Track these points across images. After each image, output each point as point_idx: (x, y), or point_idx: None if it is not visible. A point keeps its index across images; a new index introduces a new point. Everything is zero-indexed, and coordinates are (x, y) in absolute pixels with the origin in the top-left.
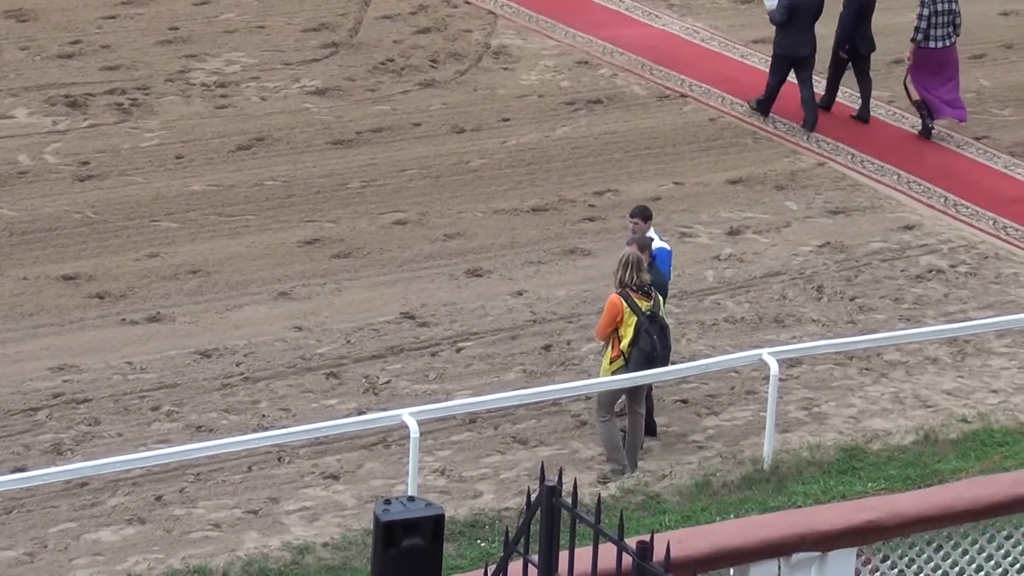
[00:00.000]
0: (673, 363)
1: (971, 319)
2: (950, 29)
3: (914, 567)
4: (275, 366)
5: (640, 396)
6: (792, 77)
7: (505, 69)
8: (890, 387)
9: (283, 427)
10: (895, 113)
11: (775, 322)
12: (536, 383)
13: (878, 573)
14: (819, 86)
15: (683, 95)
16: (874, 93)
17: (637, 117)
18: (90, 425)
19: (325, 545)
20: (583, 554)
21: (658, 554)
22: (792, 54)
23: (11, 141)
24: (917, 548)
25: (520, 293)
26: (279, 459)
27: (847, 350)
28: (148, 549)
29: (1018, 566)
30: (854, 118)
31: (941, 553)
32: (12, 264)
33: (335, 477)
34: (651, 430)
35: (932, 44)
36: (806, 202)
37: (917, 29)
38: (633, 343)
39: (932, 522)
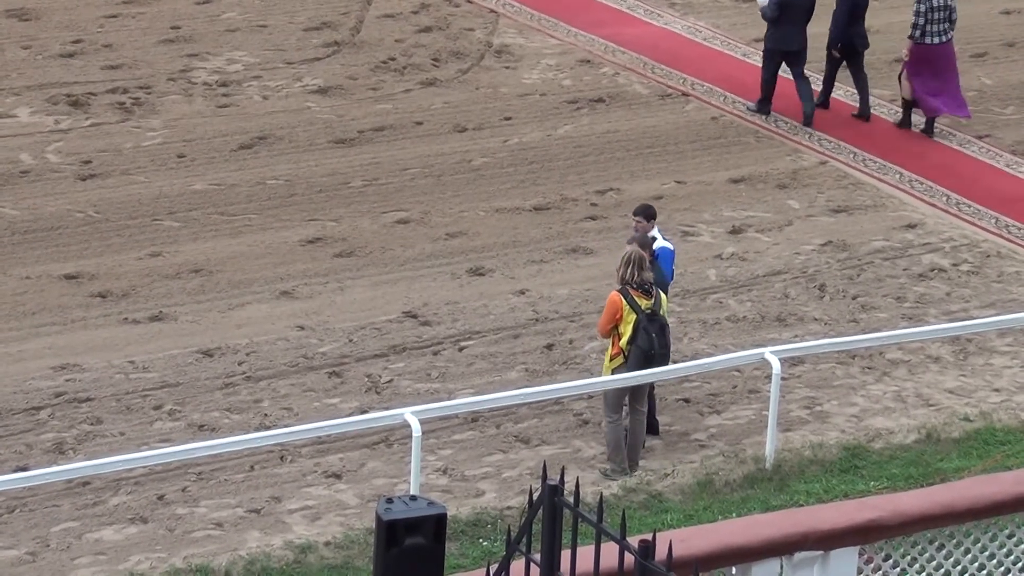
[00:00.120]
0: (675, 362)
1: (973, 318)
2: (946, 25)
3: (916, 566)
4: (277, 365)
5: (641, 394)
6: (789, 75)
7: (507, 68)
8: (892, 386)
9: (285, 426)
10: (897, 112)
11: (777, 321)
12: (538, 382)
13: (880, 572)
14: (815, 83)
15: (685, 94)
16: (877, 92)
17: (639, 116)
18: (92, 424)
19: (327, 544)
20: (585, 553)
21: (660, 553)
22: (782, 48)
23: (13, 140)
24: (919, 547)
25: (522, 292)
26: (281, 458)
27: (849, 349)
28: (150, 548)
29: (1020, 564)
30: (855, 116)
31: (944, 552)
32: (14, 263)
33: (337, 476)
34: (653, 429)
35: (929, 40)
36: (808, 201)
37: (914, 26)
38: (632, 341)
39: (934, 521)
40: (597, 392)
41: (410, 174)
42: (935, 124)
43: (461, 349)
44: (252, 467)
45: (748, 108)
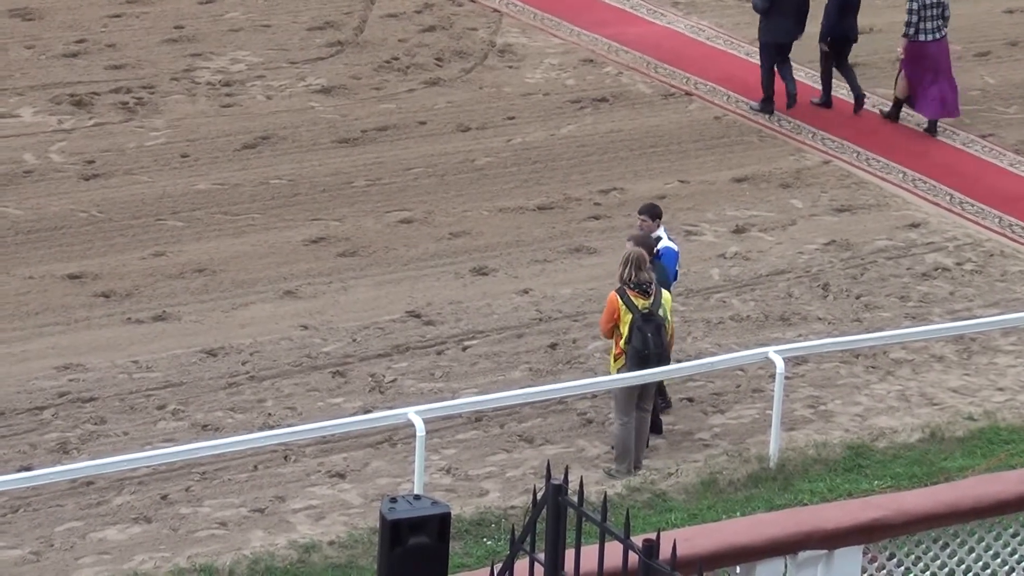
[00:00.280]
0: (679, 361)
1: (977, 317)
2: (940, 22)
3: (920, 565)
4: (281, 365)
5: (647, 393)
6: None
7: (510, 67)
8: (896, 385)
9: (289, 426)
10: (901, 112)
11: (781, 320)
12: (542, 381)
13: (884, 571)
14: (815, 82)
15: (688, 93)
16: (881, 92)
17: (642, 115)
18: (96, 424)
19: (331, 543)
20: (589, 552)
21: (664, 552)
22: (776, 40)
23: (17, 140)
24: (924, 546)
25: (526, 291)
26: (285, 458)
27: (853, 348)
28: (154, 548)
29: None
30: (856, 113)
31: (948, 551)
32: (18, 263)
33: (341, 475)
34: (657, 428)
35: (922, 37)
36: (812, 200)
37: (908, 24)
38: (628, 340)
39: (938, 520)
40: (601, 391)
41: (413, 174)
42: (938, 124)
43: (465, 349)
44: (256, 467)
45: (751, 107)
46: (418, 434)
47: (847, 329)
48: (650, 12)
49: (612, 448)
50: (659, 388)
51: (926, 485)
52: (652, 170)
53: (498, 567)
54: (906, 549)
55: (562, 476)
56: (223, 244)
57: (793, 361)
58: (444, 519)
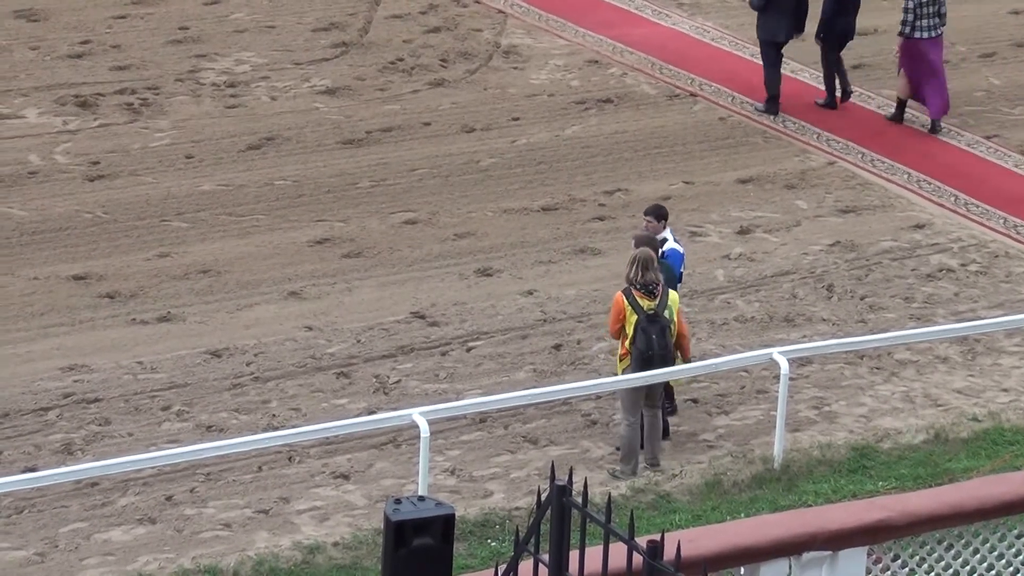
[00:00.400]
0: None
1: (981, 318)
2: (936, 20)
3: (925, 566)
4: (285, 366)
5: (652, 393)
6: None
7: (515, 68)
8: (900, 386)
9: (293, 427)
10: (905, 112)
11: (785, 321)
12: (546, 382)
13: (889, 572)
14: (815, 82)
15: (693, 94)
16: (885, 92)
17: (647, 116)
18: (101, 425)
19: (336, 545)
20: (594, 553)
21: (669, 553)
22: (774, 38)
23: (22, 141)
24: (928, 547)
25: (530, 292)
26: (289, 459)
27: (857, 349)
28: (159, 549)
29: None
30: (843, 102)
31: (952, 552)
32: (23, 264)
33: (345, 477)
34: (664, 432)
35: (918, 35)
36: (816, 201)
37: (904, 23)
38: (632, 341)
39: (943, 521)
40: (605, 393)
41: (418, 175)
42: (941, 123)
43: (469, 350)
44: (260, 468)
45: (756, 108)
46: (422, 435)
47: (851, 330)
48: (655, 13)
49: (617, 449)
50: (667, 392)
51: (930, 486)
52: (657, 171)
53: (502, 568)
54: (910, 550)
55: (566, 477)
56: (228, 245)
57: (797, 362)
58: (448, 520)
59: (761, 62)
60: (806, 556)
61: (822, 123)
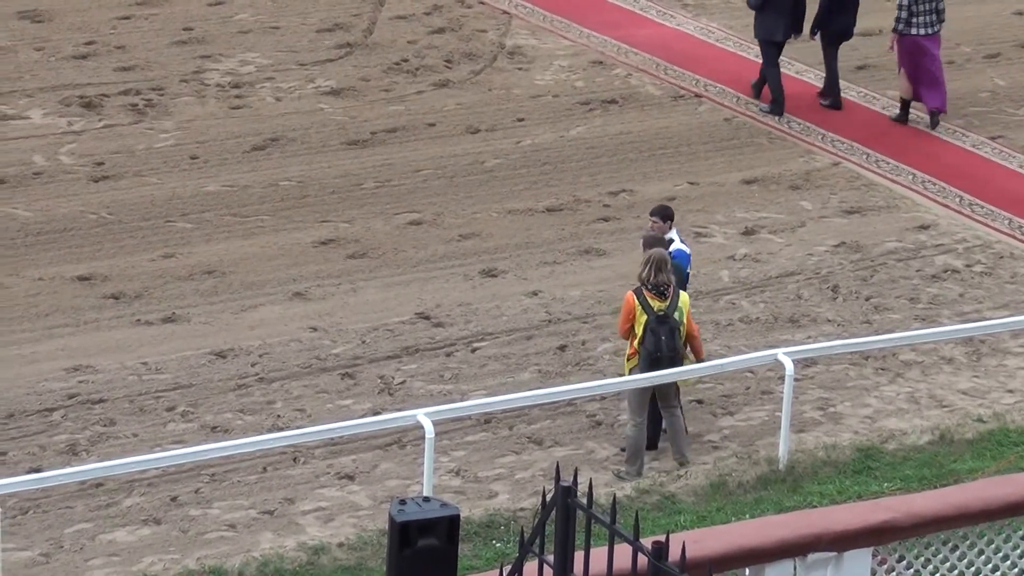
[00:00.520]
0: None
1: (986, 319)
2: (933, 17)
3: (930, 567)
4: (290, 367)
5: (667, 393)
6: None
7: (520, 69)
8: (905, 387)
9: (298, 427)
10: (910, 113)
11: (790, 322)
12: (551, 383)
13: (894, 573)
14: (818, 82)
15: (698, 95)
16: (890, 93)
17: (652, 117)
18: (105, 426)
19: (340, 545)
20: (598, 554)
21: (674, 554)
22: (771, 38)
23: (26, 142)
24: (933, 548)
25: (535, 293)
26: (294, 460)
27: (862, 350)
28: (163, 549)
29: None
30: (818, 95)
31: (957, 553)
32: (27, 264)
33: (350, 477)
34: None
35: (915, 31)
36: (821, 202)
37: (897, 19)
38: (641, 342)
39: (948, 522)
40: (610, 393)
41: (423, 175)
42: (939, 117)
43: (474, 350)
44: (265, 468)
45: (761, 109)
46: (427, 436)
47: (856, 331)
48: (660, 14)
49: (622, 450)
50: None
51: (935, 487)
52: (661, 172)
53: (507, 569)
54: (915, 551)
55: (571, 478)
56: (232, 246)
57: (802, 363)
58: (453, 521)
59: (761, 62)
60: (811, 557)
61: (827, 124)
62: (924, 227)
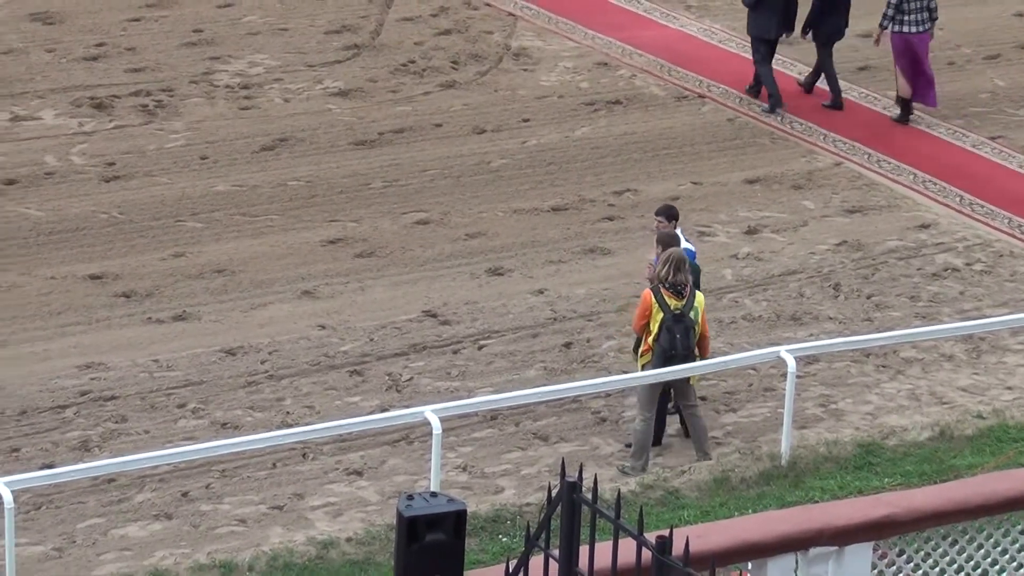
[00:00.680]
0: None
1: (986, 317)
2: (924, 15)
3: (930, 561)
4: (299, 364)
5: (683, 391)
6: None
7: (525, 70)
8: (906, 384)
9: (307, 424)
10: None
11: (792, 320)
12: (557, 380)
13: (894, 567)
14: (820, 82)
15: (701, 96)
16: (891, 94)
17: (656, 117)
18: (117, 422)
19: (349, 540)
20: (603, 549)
21: (677, 549)
22: (763, 36)
23: (38, 142)
24: (933, 543)
25: (541, 291)
26: (303, 456)
27: (864, 347)
28: (175, 544)
29: None
30: (807, 92)
31: (957, 547)
32: (40, 264)
33: (359, 473)
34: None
35: (906, 29)
36: (823, 201)
37: (884, 16)
38: (656, 339)
39: (948, 517)
40: (615, 390)
41: (429, 175)
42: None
43: (480, 348)
44: (275, 464)
45: (763, 110)
46: (434, 432)
47: (858, 329)
48: (663, 16)
49: (627, 445)
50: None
51: (936, 483)
52: (665, 172)
53: (513, 563)
54: (916, 546)
55: (576, 474)
56: (242, 245)
57: (804, 360)
58: (460, 516)
59: (752, 59)
60: (813, 551)
61: (828, 124)
62: (925, 226)
